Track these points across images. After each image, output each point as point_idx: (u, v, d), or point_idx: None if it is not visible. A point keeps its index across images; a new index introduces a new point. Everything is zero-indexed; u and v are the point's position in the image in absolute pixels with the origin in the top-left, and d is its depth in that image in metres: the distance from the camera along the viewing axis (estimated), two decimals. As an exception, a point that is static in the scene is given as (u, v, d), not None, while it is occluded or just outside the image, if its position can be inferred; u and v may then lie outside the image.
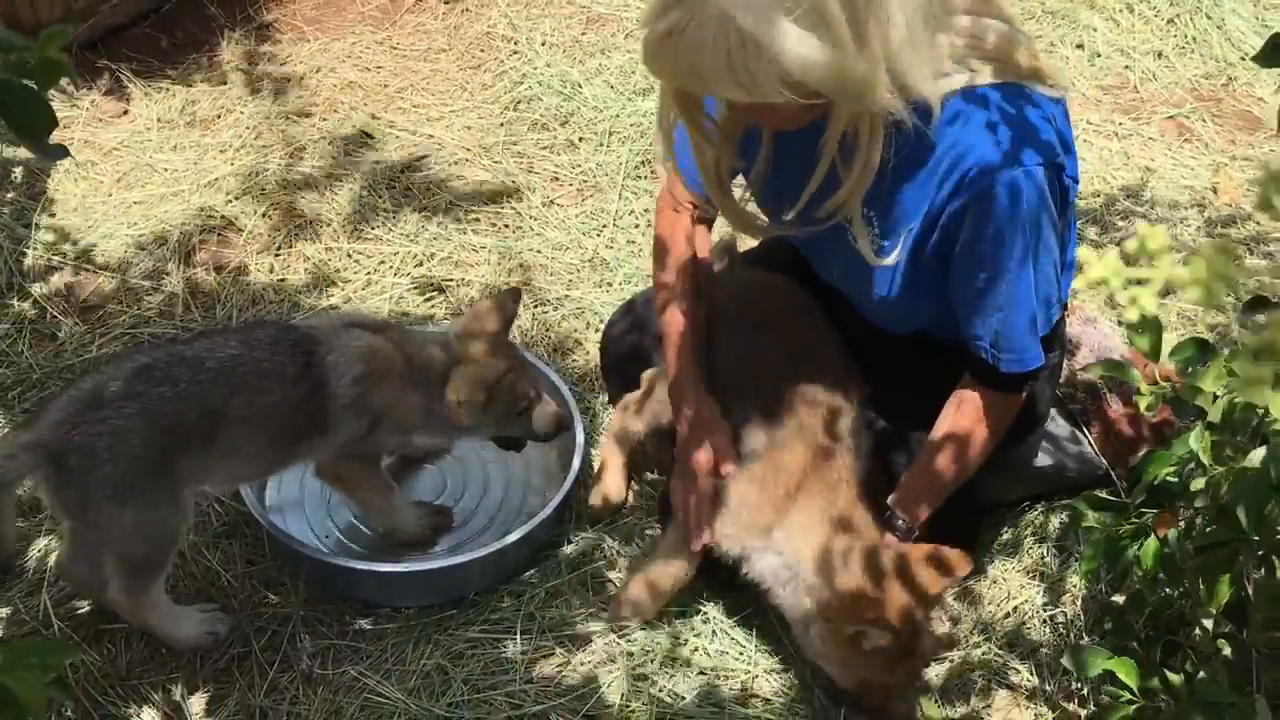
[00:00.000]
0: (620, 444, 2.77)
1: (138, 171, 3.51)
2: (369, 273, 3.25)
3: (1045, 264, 2.14)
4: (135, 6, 3.90)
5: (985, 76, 2.06)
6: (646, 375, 2.72)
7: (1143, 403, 1.67)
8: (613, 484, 2.76)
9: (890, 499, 2.38)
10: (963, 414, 2.31)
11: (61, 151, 1.62)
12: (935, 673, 2.52)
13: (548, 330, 3.12)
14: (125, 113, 3.69)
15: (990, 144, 2.04)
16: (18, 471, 2.19)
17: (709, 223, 2.60)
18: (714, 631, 2.56)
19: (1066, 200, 2.17)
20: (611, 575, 2.66)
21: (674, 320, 2.49)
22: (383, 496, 2.60)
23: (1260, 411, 1.66)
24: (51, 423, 2.22)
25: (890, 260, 2.18)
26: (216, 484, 2.53)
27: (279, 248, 3.30)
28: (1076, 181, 2.18)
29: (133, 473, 2.22)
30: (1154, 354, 1.69)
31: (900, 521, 2.35)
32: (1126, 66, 3.97)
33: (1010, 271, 2.10)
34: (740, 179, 2.40)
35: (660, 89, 2.13)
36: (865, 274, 2.25)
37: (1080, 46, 4.01)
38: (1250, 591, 1.87)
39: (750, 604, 2.55)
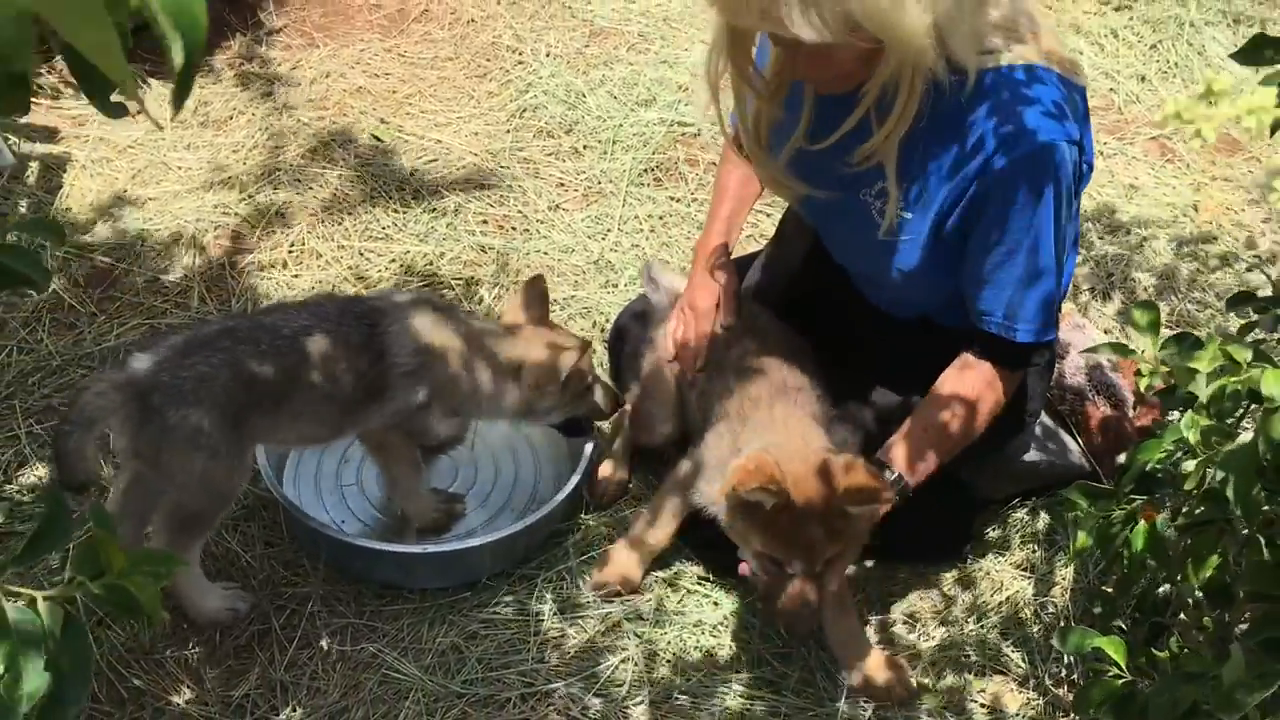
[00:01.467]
0: (626, 436, 2.89)
1: (152, 169, 3.59)
2: (380, 270, 3.35)
3: (1064, 239, 2.24)
4: (149, 9, 3.98)
5: (1019, 57, 2.17)
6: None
7: (1142, 383, 1.77)
8: (618, 473, 2.89)
9: (880, 452, 2.38)
10: (967, 379, 2.36)
11: (121, 109, 1.72)
12: (929, 657, 2.63)
13: (555, 328, 3.22)
14: (139, 112, 3.76)
15: (1020, 120, 2.14)
16: (105, 409, 2.26)
17: None
18: (721, 612, 2.66)
19: (1081, 183, 2.28)
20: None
21: (719, 207, 2.73)
22: (414, 474, 2.70)
23: (1247, 396, 1.76)
24: (143, 364, 2.31)
25: (906, 235, 2.28)
26: (282, 443, 2.65)
27: (292, 245, 3.39)
28: (1091, 167, 2.30)
29: (211, 418, 2.31)
30: (1153, 331, 1.80)
31: (892, 473, 2.34)
32: (1111, 89, 4.11)
33: (1030, 245, 2.20)
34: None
35: (712, 40, 2.21)
36: (885, 247, 2.33)
37: (1066, 68, 4.15)
38: (1237, 570, 1.98)
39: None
